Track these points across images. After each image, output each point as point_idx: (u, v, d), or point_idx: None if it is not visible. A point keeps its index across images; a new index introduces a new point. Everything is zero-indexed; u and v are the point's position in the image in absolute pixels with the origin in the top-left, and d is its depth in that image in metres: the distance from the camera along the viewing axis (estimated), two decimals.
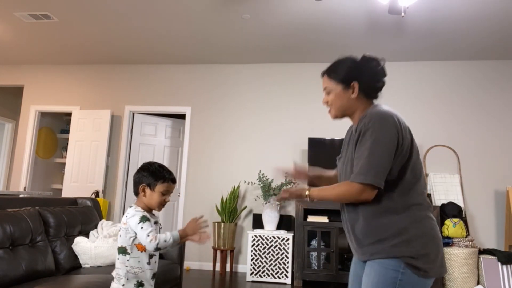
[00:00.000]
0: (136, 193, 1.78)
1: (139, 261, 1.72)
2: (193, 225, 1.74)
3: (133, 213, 1.72)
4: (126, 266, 1.70)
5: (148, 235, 1.66)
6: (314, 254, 4.44)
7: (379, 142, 1.34)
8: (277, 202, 1.60)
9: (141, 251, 1.71)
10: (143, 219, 1.70)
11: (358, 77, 1.47)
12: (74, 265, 2.72)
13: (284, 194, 1.52)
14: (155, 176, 1.77)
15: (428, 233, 1.36)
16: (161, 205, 1.79)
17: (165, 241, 1.66)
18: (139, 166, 1.84)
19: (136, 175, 1.79)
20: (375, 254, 1.38)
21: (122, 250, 1.71)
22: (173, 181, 1.81)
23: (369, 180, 1.33)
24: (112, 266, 2.73)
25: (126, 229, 1.71)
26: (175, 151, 6.08)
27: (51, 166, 6.63)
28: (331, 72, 1.52)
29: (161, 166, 1.80)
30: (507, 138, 4.95)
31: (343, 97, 1.49)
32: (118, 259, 1.72)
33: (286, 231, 4.64)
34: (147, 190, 1.76)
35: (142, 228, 1.68)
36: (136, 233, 1.69)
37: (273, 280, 4.46)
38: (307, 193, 1.48)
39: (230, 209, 4.90)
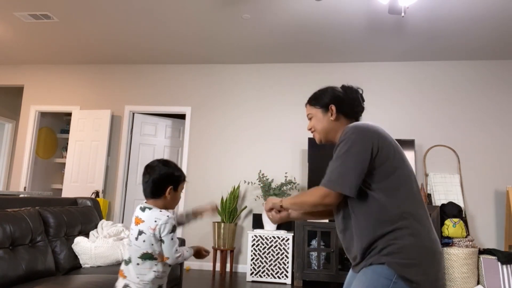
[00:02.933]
0: (159, 194, 1.67)
1: (164, 265, 1.64)
2: (199, 253, 1.76)
3: (165, 220, 1.61)
4: (154, 271, 1.61)
5: (177, 250, 1.61)
6: (314, 254, 4.44)
7: (351, 151, 1.40)
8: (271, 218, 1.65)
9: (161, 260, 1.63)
10: (174, 229, 1.63)
11: (336, 101, 1.59)
12: (74, 265, 2.72)
13: (266, 207, 1.62)
14: (178, 175, 1.71)
15: (423, 244, 1.35)
16: (177, 204, 1.75)
17: (184, 258, 1.66)
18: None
19: (158, 176, 1.66)
20: (368, 260, 1.39)
21: (148, 256, 1.60)
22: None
23: (333, 187, 1.39)
24: (112, 266, 2.73)
25: (153, 235, 1.60)
26: (175, 151, 6.08)
27: (51, 166, 6.63)
28: (312, 100, 1.65)
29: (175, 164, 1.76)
30: (507, 138, 4.95)
31: (323, 120, 1.61)
32: (138, 264, 1.60)
33: (286, 231, 4.64)
34: (171, 191, 1.68)
35: (172, 239, 1.61)
36: (162, 241, 1.61)
37: (273, 280, 4.46)
38: (280, 203, 1.57)
39: (230, 209, 4.90)
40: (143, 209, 1.66)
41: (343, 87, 1.64)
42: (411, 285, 1.30)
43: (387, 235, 1.36)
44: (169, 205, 1.71)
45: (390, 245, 1.35)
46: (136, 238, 1.61)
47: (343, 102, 1.59)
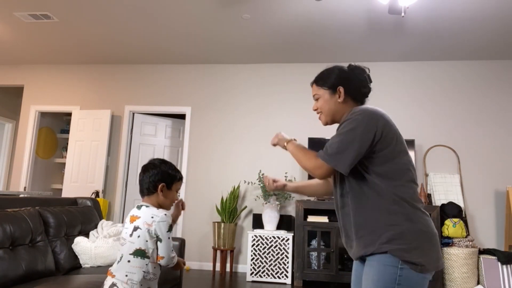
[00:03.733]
0: (151, 191, 1.68)
1: (155, 267, 1.62)
2: (179, 265, 1.73)
3: (163, 218, 1.60)
4: (144, 272, 1.57)
5: (173, 250, 1.60)
6: (314, 254, 4.44)
7: (354, 131, 1.40)
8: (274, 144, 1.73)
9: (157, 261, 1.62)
10: (171, 228, 1.61)
11: (344, 82, 1.56)
12: (74, 265, 2.72)
13: (272, 140, 1.68)
14: (173, 174, 1.71)
15: (419, 228, 1.38)
16: (173, 204, 1.74)
17: (174, 262, 1.65)
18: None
19: (152, 173, 1.68)
20: (368, 247, 1.40)
21: (141, 253, 1.57)
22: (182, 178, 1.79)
23: (330, 162, 1.41)
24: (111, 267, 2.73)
25: (148, 231, 1.58)
26: (175, 151, 6.08)
27: (51, 166, 6.63)
28: (319, 80, 1.61)
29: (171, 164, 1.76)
30: (507, 138, 4.95)
31: (330, 102, 1.57)
32: (129, 262, 1.57)
33: (286, 231, 4.64)
34: (164, 189, 1.68)
35: (169, 238, 1.60)
36: (158, 240, 1.59)
37: (273, 280, 4.46)
38: (285, 144, 1.61)
39: (230, 209, 4.90)
40: (139, 207, 1.66)
41: (350, 66, 1.60)
42: (417, 267, 1.34)
43: (382, 219, 1.39)
44: (163, 204, 1.69)
45: (388, 231, 1.37)
46: (131, 235, 1.59)
47: (351, 83, 1.56)
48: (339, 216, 1.54)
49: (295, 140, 1.61)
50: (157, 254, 1.61)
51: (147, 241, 1.58)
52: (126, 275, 1.57)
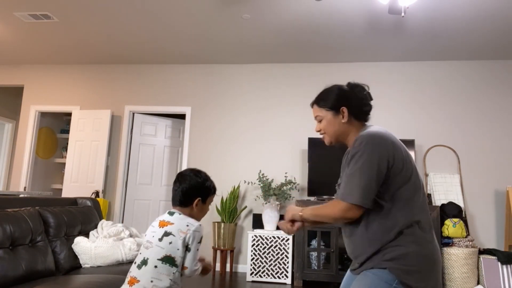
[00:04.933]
0: (187, 204, 1.63)
1: (180, 276, 1.56)
2: (206, 269, 1.69)
3: (198, 228, 1.57)
4: (171, 279, 1.52)
5: (197, 263, 1.57)
6: (314, 254, 4.44)
7: (368, 163, 1.37)
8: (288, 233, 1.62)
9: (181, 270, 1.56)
10: (201, 240, 1.59)
11: (346, 102, 1.53)
12: (74, 265, 2.71)
13: (286, 217, 1.56)
14: (208, 188, 1.68)
15: (425, 253, 1.37)
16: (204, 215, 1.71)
17: (197, 273, 1.62)
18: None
19: (188, 185, 1.63)
20: (369, 264, 1.40)
21: (170, 261, 1.52)
22: None
23: (356, 201, 1.37)
24: (112, 266, 2.73)
25: (183, 240, 1.54)
26: (175, 151, 6.08)
27: (51, 166, 6.63)
28: (320, 101, 1.58)
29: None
30: (507, 138, 4.95)
31: (334, 123, 1.55)
32: (156, 267, 1.51)
33: None
34: (199, 203, 1.65)
35: (197, 250, 1.56)
36: (188, 249, 1.55)
37: (273, 280, 4.46)
38: (300, 213, 1.52)
39: (230, 209, 4.90)
40: (171, 213, 1.62)
41: (349, 84, 1.58)
42: None
43: (391, 242, 1.38)
44: (196, 216, 1.65)
45: (393, 251, 1.36)
46: (160, 239, 1.54)
47: (352, 102, 1.53)
48: (346, 242, 1.52)
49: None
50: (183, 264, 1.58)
51: (178, 249, 1.54)
52: (152, 281, 1.50)
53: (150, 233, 1.60)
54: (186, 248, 1.56)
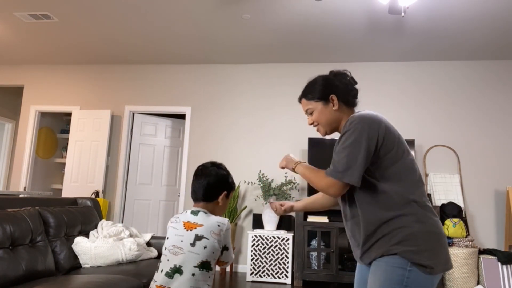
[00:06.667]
0: (212, 199, 1.57)
1: (212, 276, 1.51)
2: None
3: (229, 225, 1.52)
4: (209, 285, 1.46)
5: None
6: (314, 254, 4.44)
7: (356, 141, 1.39)
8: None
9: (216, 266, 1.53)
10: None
11: (333, 90, 1.55)
12: (74, 265, 2.72)
13: (280, 164, 1.66)
14: (232, 182, 1.64)
15: (429, 229, 1.38)
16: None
17: None
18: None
19: (213, 180, 1.57)
20: (379, 249, 1.40)
21: (207, 266, 1.44)
22: None
23: (339, 177, 1.39)
24: (112, 266, 2.73)
25: (219, 242, 1.48)
26: (175, 151, 6.08)
27: (51, 166, 6.63)
28: (307, 94, 1.60)
29: None
30: (507, 138, 4.95)
31: (326, 112, 1.56)
32: (194, 275, 1.42)
33: (286, 231, 4.64)
34: (224, 197, 1.59)
35: (230, 243, 1.55)
36: (225, 248, 1.52)
37: (273, 280, 4.46)
38: (294, 166, 1.58)
39: (230, 209, 4.90)
40: (195, 213, 1.53)
41: (331, 73, 1.60)
42: (426, 269, 1.33)
43: (391, 221, 1.39)
44: (218, 212, 1.59)
45: (398, 233, 1.37)
46: (193, 244, 1.44)
47: (338, 89, 1.55)
48: (348, 226, 1.53)
49: (304, 162, 1.58)
50: (220, 260, 1.54)
51: (213, 252, 1.47)
52: None
53: (174, 236, 1.49)
54: (224, 248, 1.52)
